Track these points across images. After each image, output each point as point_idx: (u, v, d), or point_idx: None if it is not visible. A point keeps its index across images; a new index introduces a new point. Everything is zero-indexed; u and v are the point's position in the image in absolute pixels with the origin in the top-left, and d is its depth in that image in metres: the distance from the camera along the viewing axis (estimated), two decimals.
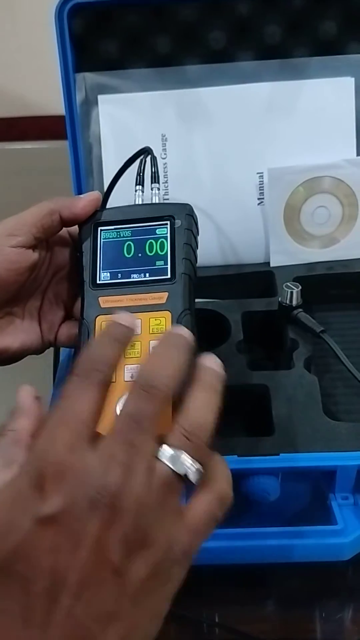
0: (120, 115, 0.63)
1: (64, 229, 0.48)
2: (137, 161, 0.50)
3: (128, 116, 0.63)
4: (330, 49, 0.63)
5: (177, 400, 0.32)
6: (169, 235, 0.44)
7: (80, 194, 0.52)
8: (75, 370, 0.31)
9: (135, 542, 0.28)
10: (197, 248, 0.46)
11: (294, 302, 0.56)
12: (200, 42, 0.62)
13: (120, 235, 0.45)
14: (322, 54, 0.63)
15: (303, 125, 0.64)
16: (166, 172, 0.64)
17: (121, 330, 0.33)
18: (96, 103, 0.63)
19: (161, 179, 0.63)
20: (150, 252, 0.44)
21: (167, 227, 0.45)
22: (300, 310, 0.56)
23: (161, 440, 0.30)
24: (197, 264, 0.47)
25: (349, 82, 0.63)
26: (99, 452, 0.29)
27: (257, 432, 0.48)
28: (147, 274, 0.44)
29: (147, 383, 0.30)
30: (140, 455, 0.29)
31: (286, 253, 0.65)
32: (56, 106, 0.63)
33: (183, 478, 0.30)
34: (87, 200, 0.46)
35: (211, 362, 0.34)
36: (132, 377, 0.32)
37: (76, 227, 0.47)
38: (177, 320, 0.41)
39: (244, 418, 0.53)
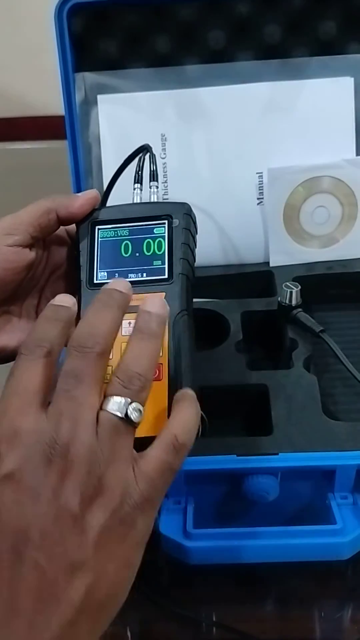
0: (119, 115, 0.63)
1: (62, 227, 0.47)
2: (136, 159, 0.50)
3: (127, 116, 0.63)
4: (329, 49, 0.63)
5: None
6: (166, 234, 0.44)
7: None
8: (20, 349, 0.33)
9: (90, 490, 0.29)
10: (196, 247, 0.46)
11: (294, 302, 0.56)
12: (199, 41, 0.62)
13: (117, 234, 0.45)
14: (321, 54, 0.63)
15: (302, 125, 0.64)
16: (166, 171, 0.64)
17: (57, 310, 0.34)
18: (96, 103, 0.63)
19: (160, 179, 0.63)
20: (148, 251, 0.44)
21: (164, 227, 0.44)
22: (300, 310, 0.56)
23: (105, 394, 0.32)
24: (196, 264, 0.46)
25: (348, 82, 0.63)
26: (48, 412, 0.30)
27: (256, 432, 0.48)
28: (144, 274, 0.44)
29: (79, 344, 0.32)
30: (85, 407, 0.30)
31: (286, 253, 0.65)
32: (56, 106, 0.63)
33: (128, 421, 0.31)
34: (84, 199, 0.46)
35: (147, 305, 0.35)
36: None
37: (74, 225, 0.47)
38: (174, 322, 0.41)
39: (243, 418, 0.53)
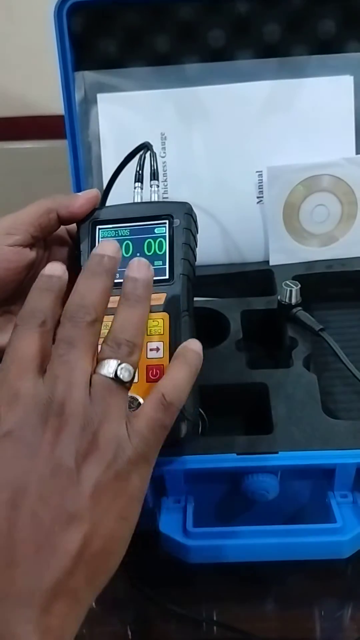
0: (119, 114, 0.63)
1: (63, 227, 0.47)
2: (136, 158, 0.50)
3: (127, 115, 0.63)
4: (329, 48, 0.63)
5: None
6: (167, 234, 0.44)
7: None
8: (16, 321, 0.34)
9: (85, 445, 0.31)
10: (197, 247, 0.46)
11: (293, 301, 0.56)
12: (199, 40, 0.62)
13: (118, 234, 0.45)
14: (321, 52, 0.63)
15: (302, 124, 0.64)
16: (165, 170, 0.64)
17: (49, 280, 0.35)
18: (95, 102, 0.63)
19: (160, 178, 0.63)
20: (149, 251, 0.44)
21: (165, 227, 0.44)
22: (300, 308, 0.56)
23: (97, 360, 0.34)
24: (196, 263, 0.46)
25: (348, 80, 0.63)
26: (45, 377, 0.32)
27: (256, 431, 0.48)
28: None
29: (71, 316, 0.33)
30: (78, 370, 0.32)
31: (285, 251, 0.65)
32: (56, 105, 0.63)
33: (118, 381, 0.33)
34: (84, 199, 0.46)
35: (133, 271, 0.37)
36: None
37: (74, 225, 0.47)
38: (175, 322, 0.41)
39: (243, 416, 0.53)
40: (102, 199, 0.53)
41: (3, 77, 0.95)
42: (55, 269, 0.36)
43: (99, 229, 0.46)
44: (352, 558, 0.45)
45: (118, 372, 0.33)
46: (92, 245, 0.45)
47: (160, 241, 0.44)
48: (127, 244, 0.45)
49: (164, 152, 0.64)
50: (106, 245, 0.36)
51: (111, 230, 0.45)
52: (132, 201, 0.48)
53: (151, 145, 0.49)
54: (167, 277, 0.43)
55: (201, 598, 0.49)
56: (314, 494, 0.48)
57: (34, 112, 0.97)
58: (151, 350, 0.40)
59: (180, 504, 0.47)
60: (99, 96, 0.63)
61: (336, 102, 0.63)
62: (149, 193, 0.48)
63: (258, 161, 0.64)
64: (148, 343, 0.41)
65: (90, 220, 0.46)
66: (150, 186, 0.48)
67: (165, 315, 0.42)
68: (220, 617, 0.48)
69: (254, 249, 0.66)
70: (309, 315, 0.55)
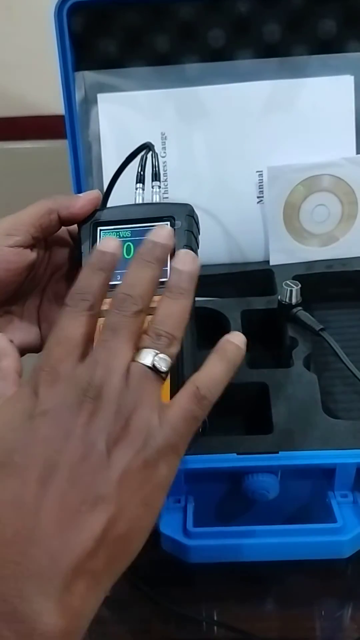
0: (119, 114, 0.63)
1: (64, 228, 0.47)
2: (138, 158, 0.50)
3: (127, 115, 0.63)
4: (329, 48, 0.63)
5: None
6: None
7: (80, 193, 0.52)
8: (66, 300, 0.35)
9: (117, 430, 0.31)
10: (198, 248, 0.46)
11: (294, 300, 0.56)
12: (199, 40, 0.62)
13: (119, 235, 0.45)
14: (321, 52, 0.63)
15: (302, 124, 0.64)
16: (166, 170, 0.64)
17: (103, 258, 0.35)
18: (95, 102, 0.63)
19: (160, 177, 0.63)
20: None
21: None
22: (300, 308, 0.56)
23: (137, 348, 0.34)
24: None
25: (348, 80, 0.63)
26: (86, 361, 0.33)
27: (256, 430, 0.48)
28: None
29: (118, 305, 0.34)
30: (119, 358, 0.33)
31: (286, 251, 0.65)
32: (56, 105, 0.63)
33: (155, 371, 0.33)
34: (86, 200, 0.46)
35: (178, 263, 0.36)
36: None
37: (75, 226, 0.47)
38: None
39: (244, 416, 0.53)
40: (104, 199, 0.53)
41: (3, 77, 0.95)
42: (109, 245, 0.36)
43: (100, 230, 0.45)
44: (352, 558, 0.45)
45: (155, 362, 0.33)
46: (94, 246, 0.45)
47: None
48: (129, 245, 0.44)
49: (164, 152, 0.64)
50: (159, 231, 0.37)
51: (112, 232, 0.45)
52: (133, 202, 0.48)
53: (153, 146, 0.49)
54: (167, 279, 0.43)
55: (201, 598, 0.49)
56: (314, 494, 0.48)
57: (34, 112, 0.97)
58: None
59: (181, 504, 0.47)
60: (99, 96, 0.63)
61: (336, 102, 0.63)
62: (151, 194, 0.48)
63: (258, 161, 0.64)
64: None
65: (91, 221, 0.46)
66: (152, 187, 0.48)
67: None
68: (221, 617, 0.48)
69: (254, 249, 0.66)
70: (309, 315, 0.55)
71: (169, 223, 0.44)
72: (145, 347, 0.34)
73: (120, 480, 0.30)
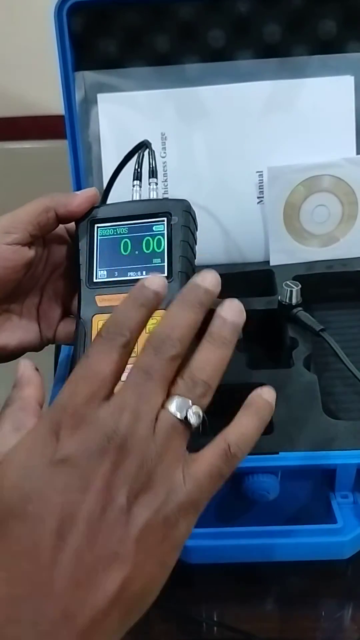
0: (119, 114, 0.63)
1: (62, 226, 0.47)
2: (136, 156, 0.50)
3: (127, 115, 0.63)
4: (329, 48, 0.63)
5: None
6: (165, 232, 0.44)
7: None
8: (100, 331, 0.33)
9: (139, 484, 0.30)
10: (196, 244, 0.46)
11: (294, 301, 0.56)
12: (199, 40, 0.62)
13: (117, 232, 0.45)
14: (321, 52, 0.63)
15: (303, 124, 0.64)
16: (165, 170, 0.64)
17: (148, 295, 0.33)
18: (95, 102, 0.63)
19: (160, 178, 0.63)
20: (147, 249, 0.44)
21: (163, 224, 0.44)
22: (300, 308, 0.56)
23: (168, 393, 0.32)
24: (196, 263, 0.46)
25: (348, 80, 0.63)
26: (111, 401, 0.31)
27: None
28: (144, 272, 0.43)
29: (157, 345, 0.32)
30: (149, 404, 0.31)
31: (286, 252, 0.65)
32: (56, 105, 0.63)
33: (186, 424, 0.31)
34: (83, 197, 0.46)
35: (224, 310, 0.35)
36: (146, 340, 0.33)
37: (73, 223, 0.47)
38: None
39: None
40: (103, 198, 0.53)
41: (3, 77, 0.95)
42: (155, 282, 0.34)
43: (98, 227, 0.45)
44: (352, 558, 0.45)
45: (188, 416, 0.32)
46: (91, 243, 0.45)
47: (159, 239, 0.44)
48: (126, 242, 0.45)
49: (164, 152, 0.64)
50: (208, 276, 0.35)
51: (110, 229, 0.45)
52: (131, 199, 0.48)
53: (150, 143, 0.49)
54: (165, 274, 0.43)
55: (201, 598, 0.49)
56: (315, 495, 0.48)
57: (34, 112, 0.97)
58: None
59: None
60: (99, 96, 0.63)
61: (337, 102, 0.63)
62: (148, 191, 0.48)
63: (258, 161, 0.64)
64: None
65: (88, 218, 0.46)
66: (149, 184, 0.48)
67: (164, 312, 0.41)
68: (221, 618, 0.48)
69: (255, 249, 0.66)
70: (310, 316, 0.55)
71: (166, 219, 0.44)
72: (179, 395, 0.32)
73: (139, 539, 0.29)
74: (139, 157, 0.49)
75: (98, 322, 0.42)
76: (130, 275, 0.44)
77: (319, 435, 0.46)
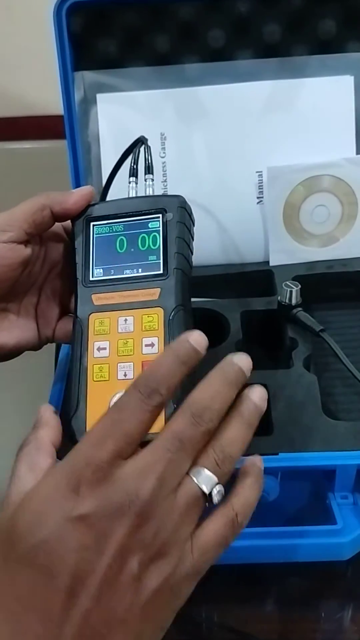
0: (119, 114, 0.63)
1: (59, 224, 0.47)
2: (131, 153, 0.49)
3: (127, 115, 0.63)
4: (329, 48, 0.62)
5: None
6: (160, 229, 0.44)
7: None
8: (137, 382, 0.32)
9: (152, 553, 0.30)
10: (193, 240, 0.46)
11: (294, 301, 0.56)
12: (199, 40, 0.62)
13: (112, 230, 0.45)
14: (321, 52, 0.62)
15: (302, 124, 0.63)
16: (165, 170, 0.64)
17: (191, 353, 0.34)
18: (95, 102, 0.63)
19: (160, 178, 0.63)
20: (143, 246, 0.44)
21: (159, 221, 0.44)
22: (300, 309, 0.56)
23: (195, 462, 0.32)
24: (196, 264, 0.46)
25: (348, 80, 0.63)
26: (137, 462, 0.31)
27: (256, 432, 0.48)
28: (140, 270, 0.43)
29: (197, 413, 0.32)
30: (176, 473, 0.31)
31: (285, 252, 0.65)
32: (56, 105, 0.63)
33: (206, 498, 0.32)
34: (78, 195, 0.46)
35: (254, 395, 0.36)
36: (183, 404, 0.33)
37: (70, 221, 0.47)
38: (169, 317, 0.41)
39: None
40: (102, 195, 0.53)
41: (3, 77, 0.95)
42: (200, 342, 0.34)
43: (93, 225, 0.45)
44: (352, 559, 0.45)
45: (213, 493, 0.32)
46: (87, 241, 0.45)
47: (154, 235, 0.44)
48: (122, 239, 0.44)
49: (164, 152, 0.64)
50: (244, 358, 0.36)
51: (105, 227, 0.45)
52: (126, 196, 0.48)
53: (146, 139, 0.49)
54: (161, 271, 0.43)
55: (201, 600, 0.48)
56: (314, 496, 0.48)
57: (34, 112, 0.97)
58: (146, 346, 0.40)
59: None
60: (99, 96, 0.63)
61: (336, 102, 0.63)
62: (144, 187, 0.48)
63: (258, 161, 0.64)
64: (143, 339, 0.40)
65: (84, 216, 0.46)
66: (145, 180, 0.48)
67: (160, 310, 0.41)
68: (220, 619, 0.48)
69: (254, 250, 0.66)
70: (309, 316, 0.55)
71: (161, 216, 0.44)
72: (207, 468, 0.32)
73: (145, 606, 0.30)
74: (134, 153, 0.49)
75: (95, 320, 0.42)
76: (126, 273, 0.43)
77: (318, 436, 0.46)
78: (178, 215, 0.44)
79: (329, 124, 0.64)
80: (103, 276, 0.44)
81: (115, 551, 0.29)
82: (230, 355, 0.35)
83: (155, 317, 0.41)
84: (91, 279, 0.44)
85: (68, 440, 0.39)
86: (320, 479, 0.47)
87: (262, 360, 0.58)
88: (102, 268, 0.44)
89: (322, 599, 0.47)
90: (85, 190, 0.46)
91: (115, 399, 0.37)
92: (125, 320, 0.41)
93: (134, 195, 0.47)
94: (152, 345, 0.40)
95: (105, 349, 0.41)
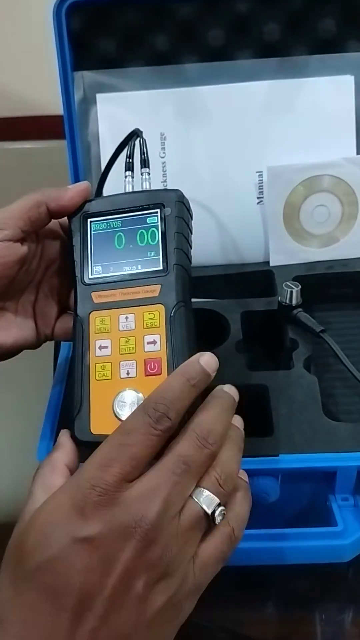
0: (118, 114, 0.63)
1: (55, 221, 0.47)
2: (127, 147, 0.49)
3: (126, 115, 0.63)
4: (329, 47, 0.62)
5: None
6: (159, 224, 0.43)
7: None
8: (146, 405, 0.33)
9: (158, 573, 0.30)
10: (192, 234, 0.45)
11: (294, 302, 0.56)
12: (199, 40, 0.62)
13: (110, 226, 0.44)
14: (321, 52, 0.62)
15: (302, 124, 0.63)
16: (165, 170, 0.64)
17: (202, 377, 0.35)
18: (94, 102, 0.63)
19: (160, 178, 0.63)
20: (142, 242, 0.43)
21: (157, 216, 0.43)
22: (300, 309, 0.56)
23: (197, 483, 0.33)
24: (196, 264, 0.46)
25: (348, 80, 0.63)
26: (143, 484, 0.31)
27: (256, 433, 0.48)
28: (139, 266, 0.43)
29: (203, 435, 0.33)
30: (181, 495, 0.31)
31: (286, 252, 0.65)
32: (55, 105, 0.63)
33: (209, 519, 0.32)
34: (74, 191, 0.45)
35: (238, 422, 0.38)
36: (187, 427, 0.34)
37: (67, 218, 0.46)
38: (170, 314, 0.40)
39: (243, 418, 0.52)
40: (98, 191, 0.52)
41: (3, 77, 0.95)
42: (211, 365, 0.35)
43: (91, 221, 0.45)
44: (353, 562, 0.45)
45: (216, 514, 0.32)
46: (84, 238, 0.44)
47: (153, 231, 0.43)
48: (120, 235, 0.44)
49: (164, 152, 0.63)
50: (233, 389, 0.38)
51: (102, 223, 0.44)
52: (123, 191, 0.47)
53: (141, 132, 0.48)
54: (161, 268, 0.42)
55: (201, 602, 0.48)
56: (315, 497, 0.48)
57: (34, 112, 0.97)
58: (148, 343, 0.40)
59: None
60: (98, 96, 0.63)
61: (337, 102, 0.63)
62: (141, 181, 0.47)
63: (258, 161, 0.64)
64: (145, 336, 0.40)
65: (81, 213, 0.45)
66: (141, 174, 0.47)
67: (161, 307, 0.41)
68: (221, 621, 0.48)
69: (254, 250, 0.66)
70: (310, 317, 0.55)
71: (159, 211, 0.43)
72: (209, 489, 0.33)
73: (150, 625, 0.30)
74: (129, 147, 0.48)
75: (95, 319, 0.42)
76: (125, 270, 0.43)
77: (319, 437, 0.46)
78: (176, 209, 0.43)
79: (329, 123, 0.63)
80: (102, 274, 0.43)
81: (121, 573, 0.29)
82: (220, 387, 0.37)
83: (157, 314, 0.41)
84: (90, 276, 0.43)
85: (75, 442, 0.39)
86: (321, 480, 0.47)
87: (262, 361, 0.58)
88: (100, 265, 0.44)
89: (322, 602, 0.47)
90: (81, 186, 0.45)
91: (118, 399, 0.38)
92: (126, 317, 0.41)
93: (130, 189, 0.47)
94: (154, 342, 0.40)
95: (107, 347, 0.41)
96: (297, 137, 0.63)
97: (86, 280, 0.43)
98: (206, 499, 0.32)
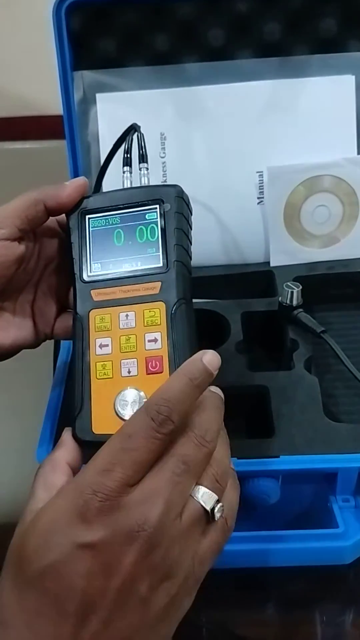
0: (118, 114, 0.63)
1: (53, 218, 0.46)
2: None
3: (126, 114, 0.62)
4: (330, 47, 0.62)
5: None
6: (158, 220, 0.43)
7: None
8: (149, 407, 0.32)
9: (160, 575, 0.30)
10: (191, 229, 0.45)
11: (294, 302, 0.56)
12: (199, 40, 0.61)
13: (108, 222, 0.44)
14: (322, 51, 0.62)
15: (303, 124, 0.63)
16: (165, 170, 0.64)
17: (205, 376, 0.34)
18: (94, 101, 0.63)
19: (160, 178, 0.63)
20: (141, 239, 0.43)
21: (156, 212, 0.43)
22: (301, 310, 0.55)
23: (197, 482, 0.33)
24: (197, 264, 0.46)
25: (349, 80, 0.63)
26: (144, 487, 0.31)
27: (257, 434, 0.48)
28: (139, 263, 0.42)
29: (201, 435, 0.33)
30: (182, 495, 0.31)
31: (286, 253, 0.65)
32: (55, 105, 0.63)
33: (209, 515, 0.32)
34: (72, 188, 0.45)
35: (219, 390, 0.38)
36: (191, 429, 0.34)
37: (64, 215, 0.46)
38: (172, 311, 0.40)
39: (244, 419, 0.52)
40: (96, 187, 0.52)
41: (3, 77, 0.95)
42: (214, 363, 0.35)
43: (89, 218, 0.44)
44: (354, 563, 0.45)
45: (215, 510, 0.32)
46: (83, 236, 0.44)
47: (152, 227, 0.43)
48: (119, 232, 0.43)
49: (164, 152, 0.63)
50: (219, 390, 0.37)
51: (101, 219, 0.44)
52: (121, 187, 0.47)
53: (138, 127, 0.48)
54: (161, 264, 0.42)
55: (201, 603, 0.48)
56: (316, 498, 0.48)
57: (34, 112, 0.96)
58: (149, 341, 0.39)
59: None
60: (98, 96, 0.63)
61: (337, 102, 0.63)
62: (139, 177, 0.47)
63: (258, 161, 0.64)
64: (146, 334, 0.40)
65: (79, 209, 0.45)
66: (140, 169, 0.47)
67: (162, 304, 0.40)
68: (221, 623, 0.47)
69: (255, 250, 0.66)
70: (311, 317, 0.55)
71: (158, 207, 0.43)
72: (208, 487, 0.33)
73: (153, 624, 0.30)
74: (127, 142, 0.48)
75: (95, 317, 0.41)
76: (125, 267, 0.42)
77: (320, 439, 0.46)
78: (176, 205, 0.43)
79: (329, 123, 0.63)
80: (101, 271, 0.43)
81: (124, 577, 0.29)
82: (208, 388, 0.36)
83: (157, 312, 0.40)
84: (89, 274, 0.43)
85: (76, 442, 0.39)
86: (322, 481, 0.47)
87: (263, 361, 0.58)
88: (100, 263, 0.43)
89: (323, 603, 0.47)
90: (78, 182, 0.45)
91: (120, 398, 0.38)
92: (127, 315, 0.41)
93: (128, 185, 0.46)
94: (155, 340, 0.39)
95: (107, 345, 0.40)
96: (298, 137, 0.63)
97: (85, 277, 0.43)
98: (205, 497, 0.32)
